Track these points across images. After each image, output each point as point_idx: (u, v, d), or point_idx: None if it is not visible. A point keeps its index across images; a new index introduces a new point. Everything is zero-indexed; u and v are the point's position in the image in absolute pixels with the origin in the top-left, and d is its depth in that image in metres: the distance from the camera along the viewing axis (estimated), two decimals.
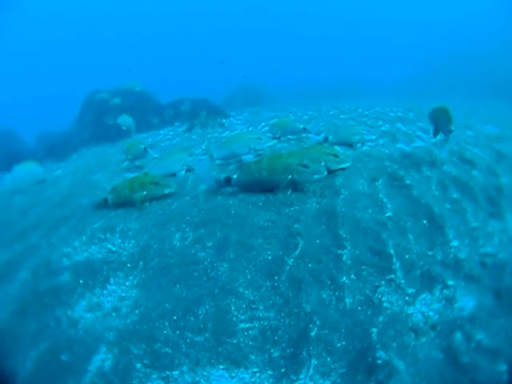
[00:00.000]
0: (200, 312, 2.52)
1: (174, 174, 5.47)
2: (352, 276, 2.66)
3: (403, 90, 14.18)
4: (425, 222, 3.44)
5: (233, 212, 3.80)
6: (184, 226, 3.77)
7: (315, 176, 4.11)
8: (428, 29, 27.50)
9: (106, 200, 4.52)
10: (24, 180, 6.28)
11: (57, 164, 8.76)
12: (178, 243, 3.48)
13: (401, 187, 4.21)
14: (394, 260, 2.81)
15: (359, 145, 5.89)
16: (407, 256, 2.87)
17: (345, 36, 30.02)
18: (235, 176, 4.29)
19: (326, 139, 5.93)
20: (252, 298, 2.54)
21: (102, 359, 2.34)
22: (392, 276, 2.65)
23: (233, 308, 2.49)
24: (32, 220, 4.99)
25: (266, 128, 8.45)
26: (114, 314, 2.84)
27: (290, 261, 2.84)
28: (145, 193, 4.37)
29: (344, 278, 2.64)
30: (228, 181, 4.31)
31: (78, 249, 3.89)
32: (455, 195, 4.01)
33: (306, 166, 4.05)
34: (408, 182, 4.29)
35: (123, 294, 3.11)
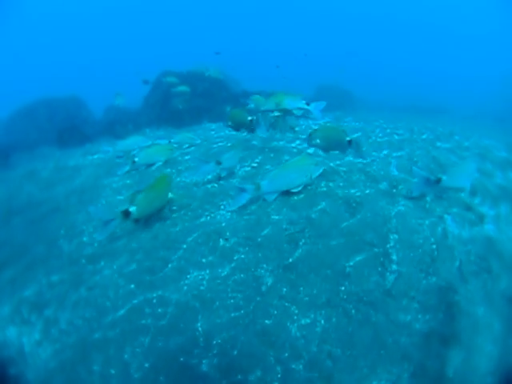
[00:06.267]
0: None
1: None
2: None
3: (487, 113, 10.57)
4: None
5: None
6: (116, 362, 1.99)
7: None
8: None
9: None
10: (133, 147, 5.64)
11: (110, 141, 7.96)
12: None
13: None
14: None
15: None
16: None
17: (434, 51, 25.20)
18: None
19: (438, 181, 3.42)
20: None
21: None
22: None
23: None
24: (6, 233, 3.93)
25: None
26: None
27: None
28: None
29: None
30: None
31: None
32: None
33: None
34: None
35: None
